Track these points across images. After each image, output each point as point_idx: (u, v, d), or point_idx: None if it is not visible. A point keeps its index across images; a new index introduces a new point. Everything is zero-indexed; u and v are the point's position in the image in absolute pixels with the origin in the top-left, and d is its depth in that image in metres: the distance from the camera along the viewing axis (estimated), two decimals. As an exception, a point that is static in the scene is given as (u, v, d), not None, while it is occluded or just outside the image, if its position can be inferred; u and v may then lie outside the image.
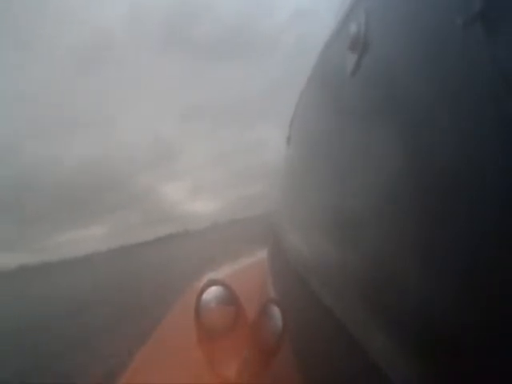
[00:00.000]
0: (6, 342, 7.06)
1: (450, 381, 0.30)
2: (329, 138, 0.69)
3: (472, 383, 0.28)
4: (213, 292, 0.73)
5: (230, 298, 0.72)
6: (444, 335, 0.31)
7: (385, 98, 0.43)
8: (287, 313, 0.71)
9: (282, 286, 1.13)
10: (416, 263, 0.35)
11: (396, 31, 0.42)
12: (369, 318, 0.46)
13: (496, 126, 0.26)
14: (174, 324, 1.47)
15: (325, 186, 0.71)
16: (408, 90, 0.38)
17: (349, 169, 0.55)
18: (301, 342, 0.73)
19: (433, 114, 0.33)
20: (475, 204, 0.28)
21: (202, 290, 0.72)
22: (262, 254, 2.20)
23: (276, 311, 0.72)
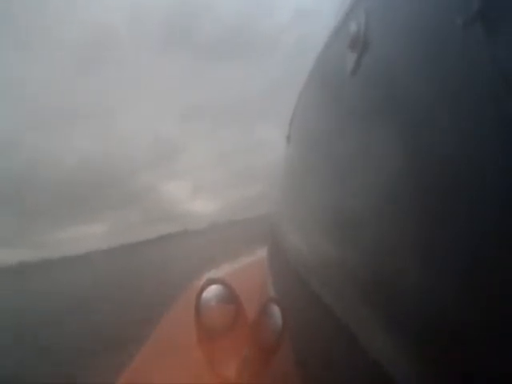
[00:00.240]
0: (5, 338, 7.07)
1: (450, 380, 0.30)
2: (329, 138, 0.69)
3: (472, 383, 0.28)
4: (213, 291, 0.73)
5: (230, 297, 0.72)
6: (444, 335, 0.31)
7: (385, 98, 0.43)
8: (287, 312, 0.71)
9: (282, 285, 1.13)
10: (416, 263, 0.35)
11: (396, 31, 0.42)
12: (369, 317, 0.46)
13: (496, 126, 0.26)
14: (173, 323, 1.47)
15: (325, 186, 0.71)
16: (408, 90, 0.38)
17: (349, 168, 0.55)
18: (301, 341, 0.73)
19: (433, 114, 0.33)
20: (475, 204, 0.28)
21: (202, 289, 0.72)
22: (261, 253, 2.21)
23: (276, 310, 0.72)
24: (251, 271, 1.96)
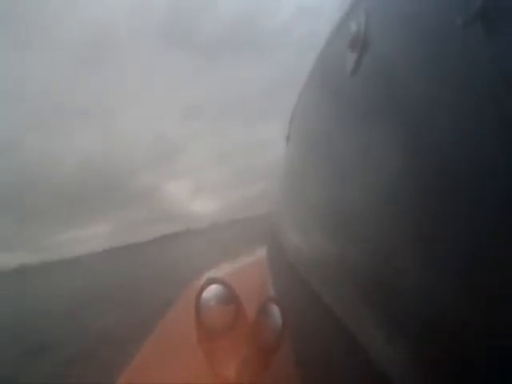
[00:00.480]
0: (5, 340, 7.06)
1: (450, 380, 0.30)
2: (328, 138, 0.68)
3: (472, 382, 0.28)
4: (213, 290, 0.73)
5: (230, 297, 0.72)
6: (444, 334, 0.31)
7: (385, 98, 0.43)
8: (287, 312, 0.71)
9: (282, 285, 1.13)
10: (416, 263, 0.35)
11: (396, 31, 0.42)
12: (369, 317, 0.46)
13: (496, 126, 0.26)
14: (173, 323, 1.47)
15: (324, 186, 0.71)
16: (408, 90, 0.38)
17: (349, 168, 0.55)
18: (300, 341, 0.73)
19: (433, 114, 0.33)
20: (475, 204, 0.28)
21: (202, 289, 0.72)
22: (261, 253, 2.20)
23: (276, 310, 0.72)
24: (251, 271, 1.96)
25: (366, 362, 0.42)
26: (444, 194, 0.31)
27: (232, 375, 0.64)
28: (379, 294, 0.43)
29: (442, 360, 0.31)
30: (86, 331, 6.34)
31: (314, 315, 0.70)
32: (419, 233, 0.35)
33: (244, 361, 0.65)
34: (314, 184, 0.82)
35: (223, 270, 2.24)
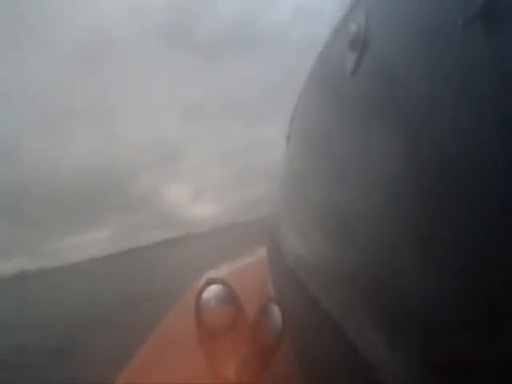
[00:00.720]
0: (4, 348, 7.04)
1: (450, 380, 0.30)
2: (329, 138, 0.68)
3: (472, 382, 0.28)
4: (213, 291, 0.73)
5: (230, 297, 0.72)
6: (444, 335, 0.31)
7: (385, 98, 0.43)
8: (287, 315, 0.71)
9: (282, 290, 1.13)
10: (416, 263, 0.35)
11: (396, 31, 0.42)
12: (368, 319, 0.46)
13: (496, 126, 0.26)
14: (173, 323, 1.47)
15: (324, 186, 0.71)
16: (408, 90, 0.38)
17: (349, 168, 0.55)
18: (300, 344, 0.73)
19: (433, 114, 0.33)
20: (475, 204, 0.28)
21: (202, 289, 0.72)
22: (261, 254, 2.20)
23: (276, 310, 0.72)
24: (251, 271, 1.96)
25: (365, 364, 0.42)
26: (444, 194, 0.31)
27: (232, 375, 0.64)
28: (379, 295, 0.43)
29: (442, 361, 0.31)
30: (85, 337, 6.32)
31: (312, 319, 0.70)
32: (419, 233, 0.35)
33: (244, 361, 0.65)
34: (314, 184, 0.82)
35: (223, 271, 2.24)
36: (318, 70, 0.81)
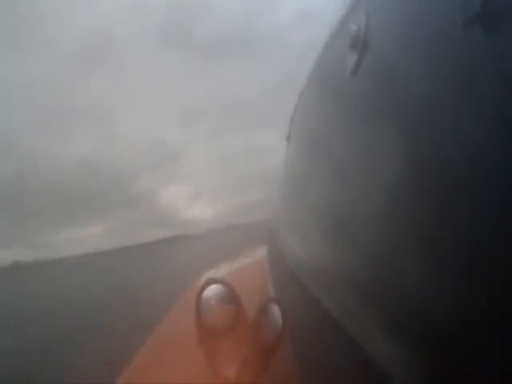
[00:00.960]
0: (3, 339, 7.03)
1: (450, 380, 0.30)
2: (329, 138, 0.68)
3: (472, 382, 0.28)
4: (213, 290, 0.73)
5: (231, 297, 0.72)
6: (444, 335, 0.31)
7: (385, 98, 0.43)
8: (287, 315, 0.71)
9: (282, 290, 1.13)
10: (416, 263, 0.35)
11: (396, 31, 0.42)
12: (368, 319, 0.46)
13: (496, 126, 0.26)
14: (173, 323, 1.47)
15: (324, 187, 0.71)
16: (408, 90, 0.38)
17: (349, 169, 0.55)
18: (300, 344, 0.73)
19: (433, 115, 0.33)
20: (475, 204, 0.28)
21: (203, 289, 0.72)
22: (261, 253, 2.20)
23: (276, 310, 0.72)
24: (251, 271, 1.96)
25: (365, 364, 0.42)
26: (444, 194, 0.31)
27: (232, 375, 0.64)
28: (379, 296, 0.43)
29: (443, 361, 0.31)
30: (82, 332, 6.32)
31: (313, 320, 0.70)
32: (419, 233, 0.35)
33: (244, 361, 0.65)
34: (314, 185, 0.82)
35: (223, 271, 2.24)
36: (318, 70, 0.81)
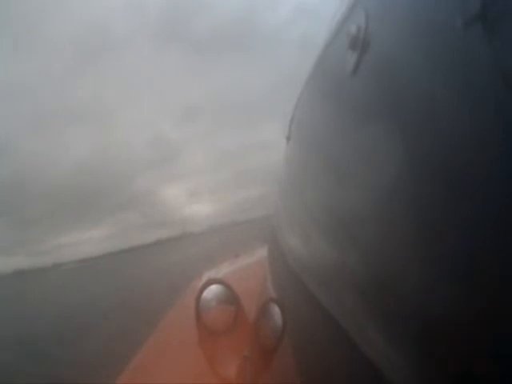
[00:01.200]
0: (2, 344, 7.01)
1: (450, 380, 0.30)
2: (329, 138, 0.68)
3: (472, 383, 0.28)
4: (213, 291, 0.73)
5: (231, 297, 0.72)
6: (444, 335, 0.31)
7: (385, 98, 0.43)
8: (287, 315, 0.71)
9: (282, 289, 1.13)
10: (416, 264, 0.35)
11: (396, 31, 0.42)
12: (368, 318, 0.46)
13: (496, 126, 0.26)
14: (174, 323, 1.47)
15: (324, 186, 0.71)
16: (408, 90, 0.38)
17: (348, 169, 0.55)
18: (300, 344, 0.73)
19: (433, 114, 0.33)
20: (475, 204, 0.28)
21: (203, 289, 0.72)
22: (261, 253, 2.20)
23: (276, 310, 0.72)
24: (251, 271, 1.96)
25: (365, 364, 0.42)
26: (444, 194, 0.31)
27: (232, 375, 0.64)
28: (379, 295, 0.43)
29: (443, 361, 0.31)
30: (83, 332, 6.31)
31: (313, 319, 0.70)
32: (419, 233, 0.35)
33: (245, 361, 0.65)
34: (314, 184, 0.82)
35: (223, 271, 2.24)
36: (318, 69, 0.81)
